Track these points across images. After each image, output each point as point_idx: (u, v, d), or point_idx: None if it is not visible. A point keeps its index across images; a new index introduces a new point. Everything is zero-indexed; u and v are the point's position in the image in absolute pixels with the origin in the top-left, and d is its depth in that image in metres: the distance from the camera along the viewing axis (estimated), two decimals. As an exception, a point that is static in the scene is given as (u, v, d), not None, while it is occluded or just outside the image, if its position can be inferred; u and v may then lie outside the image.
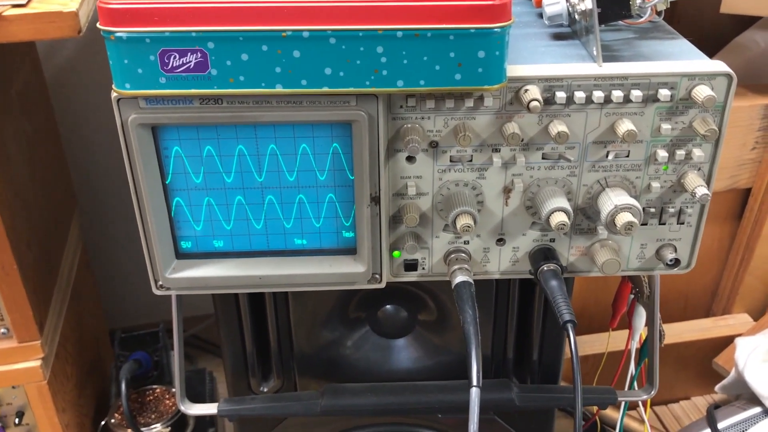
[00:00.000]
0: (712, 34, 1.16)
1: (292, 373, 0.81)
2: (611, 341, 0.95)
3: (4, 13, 0.64)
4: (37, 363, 0.86)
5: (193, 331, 1.35)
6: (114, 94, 0.54)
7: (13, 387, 0.88)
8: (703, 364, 1.21)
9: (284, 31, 0.50)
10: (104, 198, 1.27)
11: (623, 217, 0.57)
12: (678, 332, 1.22)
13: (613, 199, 0.58)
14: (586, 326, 1.20)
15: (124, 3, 0.50)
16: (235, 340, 0.78)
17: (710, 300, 1.30)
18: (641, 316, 0.80)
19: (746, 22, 1.12)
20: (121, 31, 0.50)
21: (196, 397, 1.07)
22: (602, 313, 0.98)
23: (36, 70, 1.04)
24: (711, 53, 1.14)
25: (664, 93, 0.56)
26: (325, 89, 0.52)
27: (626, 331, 0.81)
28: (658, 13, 0.65)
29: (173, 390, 1.06)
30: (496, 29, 0.50)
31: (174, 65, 0.51)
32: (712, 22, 1.13)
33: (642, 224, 0.62)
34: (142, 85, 0.52)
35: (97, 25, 0.51)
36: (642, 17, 0.61)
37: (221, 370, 0.82)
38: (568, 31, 0.65)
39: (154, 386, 1.07)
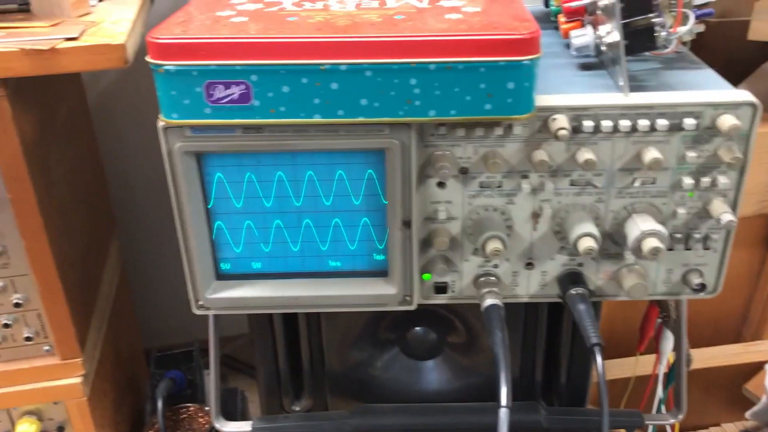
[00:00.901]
0: (740, 61, 1.16)
1: (324, 393, 0.83)
2: (639, 366, 0.95)
3: (58, 47, 0.68)
4: (78, 380, 0.88)
5: (225, 351, 1.38)
6: (161, 123, 0.57)
7: (55, 403, 0.91)
8: (733, 389, 1.20)
9: (323, 64, 0.53)
10: (142, 220, 1.31)
11: (649, 243, 0.59)
12: (707, 357, 1.21)
13: (639, 225, 0.60)
14: (614, 350, 1.19)
15: (172, 38, 0.53)
16: (268, 359, 0.80)
17: (740, 325, 1.29)
18: (669, 340, 0.81)
19: (774, 48, 1.13)
20: (170, 65, 0.53)
21: (228, 416, 1.09)
22: (630, 336, 0.98)
23: (81, 97, 1.09)
24: (738, 80, 1.15)
25: (689, 122, 0.58)
26: (361, 119, 0.55)
27: (654, 356, 0.82)
28: (684, 44, 0.66)
29: (206, 408, 1.09)
30: (525, 62, 0.53)
31: (219, 96, 0.54)
32: (740, 49, 1.13)
33: (668, 249, 0.64)
34: (188, 115, 0.55)
35: (146, 58, 0.54)
36: (668, 48, 0.63)
37: (252, 389, 0.84)
38: (595, 61, 0.67)
39: (188, 404, 1.09)
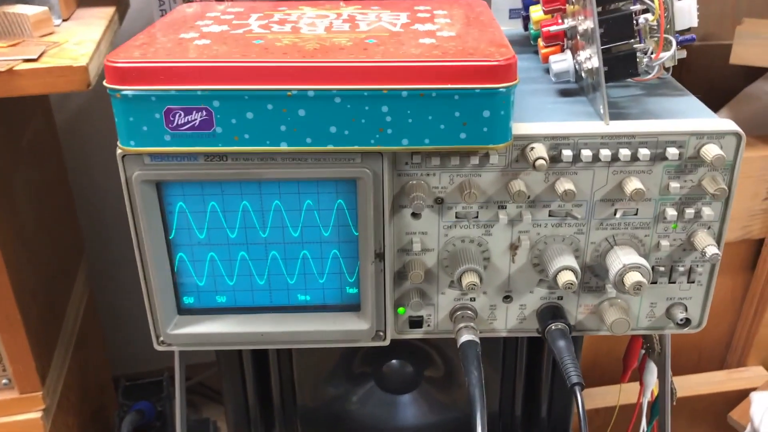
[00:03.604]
0: (722, 85, 1.16)
1: (295, 429, 0.79)
2: (623, 394, 0.93)
3: (16, 68, 0.65)
4: (38, 415, 0.84)
5: (197, 379, 1.34)
6: (119, 151, 0.54)
7: (13, 439, 0.87)
8: (718, 418, 1.19)
9: (289, 90, 0.50)
10: (111, 243, 1.27)
11: (632, 277, 0.56)
12: (691, 385, 1.20)
13: (621, 258, 0.57)
14: (598, 378, 1.17)
15: (130, 61, 0.50)
16: (237, 393, 0.77)
17: (724, 352, 1.27)
18: (652, 372, 0.79)
19: (756, 72, 1.12)
20: (127, 90, 0.50)
21: (199, 449, 1.05)
22: (613, 364, 0.96)
23: (48, 119, 1.05)
24: (720, 104, 1.15)
25: (672, 152, 0.56)
26: (330, 147, 0.52)
27: (638, 383, 0.79)
28: (666, 70, 0.65)
29: (176, 441, 1.05)
30: (501, 89, 0.50)
31: (179, 123, 0.51)
32: (722, 73, 1.13)
33: (651, 283, 0.61)
34: (146, 142, 0.52)
35: (104, 83, 0.51)
36: (650, 74, 0.61)
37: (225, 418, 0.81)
38: (575, 87, 0.65)
39: (157, 437, 1.05)
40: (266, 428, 0.80)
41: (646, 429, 0.82)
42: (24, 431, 0.85)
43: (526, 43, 0.76)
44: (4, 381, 0.83)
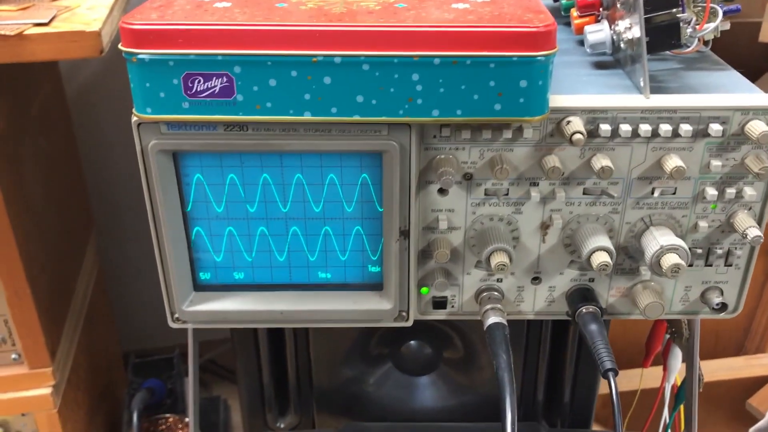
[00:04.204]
0: (749, 63, 1.12)
1: (311, 409, 0.78)
2: (644, 377, 0.90)
3: (26, 32, 0.62)
4: (48, 391, 0.83)
5: (209, 356, 1.32)
6: (134, 119, 0.51)
7: (23, 414, 0.85)
8: (736, 404, 1.16)
9: (315, 56, 0.47)
10: (122, 217, 1.25)
11: (669, 259, 0.54)
12: (709, 371, 1.17)
13: (658, 239, 0.55)
14: (617, 361, 1.15)
15: (147, 23, 0.48)
16: (252, 373, 0.75)
17: (743, 337, 1.25)
18: (677, 357, 0.76)
19: (786, 51, 1.09)
20: (144, 53, 0.48)
21: (210, 428, 1.04)
22: (631, 346, 0.94)
23: (57, 88, 1.03)
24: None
25: (715, 128, 0.53)
26: (356, 118, 0.50)
27: (659, 367, 0.77)
28: (705, 43, 0.61)
29: (186, 420, 1.03)
30: (540, 57, 0.47)
31: (198, 90, 0.49)
32: (749, 52, 1.09)
33: (687, 266, 0.59)
34: (164, 109, 0.49)
35: (119, 46, 0.49)
36: (689, 47, 0.58)
37: (236, 396, 0.79)
38: (610, 59, 0.62)
39: (167, 415, 1.04)
40: (280, 409, 0.78)
41: (668, 415, 0.80)
42: (34, 407, 0.84)
43: (555, 15, 0.73)
44: (13, 356, 0.82)
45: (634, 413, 0.93)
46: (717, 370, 1.18)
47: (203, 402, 1.14)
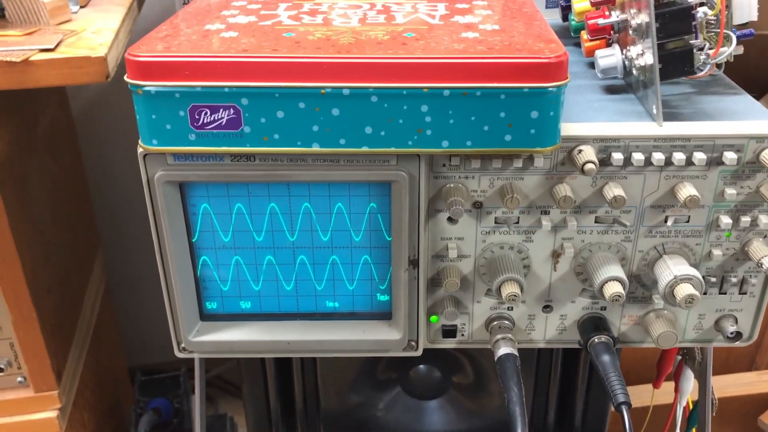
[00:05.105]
0: (756, 78, 1.11)
1: (318, 433, 0.77)
2: (656, 394, 0.89)
3: (32, 58, 0.62)
4: (54, 414, 0.82)
5: (215, 372, 1.31)
6: (140, 150, 0.50)
7: (29, 437, 0.85)
8: (747, 421, 1.15)
9: (323, 88, 0.47)
10: (128, 234, 1.25)
11: (684, 289, 0.53)
12: (720, 386, 1.16)
13: (672, 269, 0.54)
14: (626, 376, 1.14)
15: (153, 55, 0.47)
16: (259, 396, 0.74)
17: (754, 352, 1.24)
18: (689, 379, 0.75)
19: (796, 66, 1.08)
20: (150, 85, 0.47)
21: (217, 448, 1.03)
22: (643, 360, 0.93)
23: (64, 108, 1.02)
24: (757, 98, 1.10)
25: (729, 156, 0.52)
26: (365, 149, 0.49)
27: (670, 383, 0.76)
28: (718, 66, 0.61)
29: (193, 439, 1.03)
30: (551, 89, 0.47)
31: (205, 122, 0.48)
32: (759, 63, 1.08)
33: (701, 294, 0.58)
34: (170, 141, 0.49)
35: (125, 78, 0.48)
36: (703, 71, 0.57)
37: (243, 413, 0.79)
38: (621, 83, 0.61)
39: (174, 434, 1.03)
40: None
41: (680, 438, 0.79)
42: (40, 430, 0.83)
43: (564, 35, 0.72)
44: (19, 379, 0.81)
45: (647, 429, 0.92)
46: (728, 386, 1.16)
47: (210, 419, 1.14)
